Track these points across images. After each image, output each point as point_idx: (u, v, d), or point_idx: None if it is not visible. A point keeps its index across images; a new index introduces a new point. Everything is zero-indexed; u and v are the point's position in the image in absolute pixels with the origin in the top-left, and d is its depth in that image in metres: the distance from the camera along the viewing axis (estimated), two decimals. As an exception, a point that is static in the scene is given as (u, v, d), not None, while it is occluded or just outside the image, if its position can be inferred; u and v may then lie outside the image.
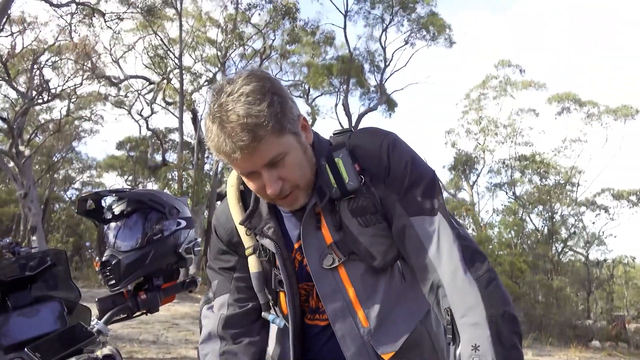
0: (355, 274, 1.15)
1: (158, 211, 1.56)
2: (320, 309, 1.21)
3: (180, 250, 1.58)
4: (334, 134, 1.25)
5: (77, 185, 23.34)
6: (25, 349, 1.28)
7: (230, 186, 1.28)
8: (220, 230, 1.30)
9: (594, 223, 18.49)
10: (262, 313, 1.26)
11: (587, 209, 19.03)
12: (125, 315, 1.53)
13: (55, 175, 22.04)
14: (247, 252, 1.24)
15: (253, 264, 1.23)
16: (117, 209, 1.54)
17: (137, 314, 1.55)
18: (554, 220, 18.55)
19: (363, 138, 1.19)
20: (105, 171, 24.47)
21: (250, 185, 1.12)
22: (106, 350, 1.36)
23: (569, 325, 11.98)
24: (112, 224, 1.55)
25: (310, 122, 1.21)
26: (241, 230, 1.24)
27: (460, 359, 0.99)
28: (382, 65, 20.05)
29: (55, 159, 20.94)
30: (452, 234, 1.09)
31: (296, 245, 1.21)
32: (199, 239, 1.67)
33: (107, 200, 1.57)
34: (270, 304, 1.26)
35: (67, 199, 22.83)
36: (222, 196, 10.64)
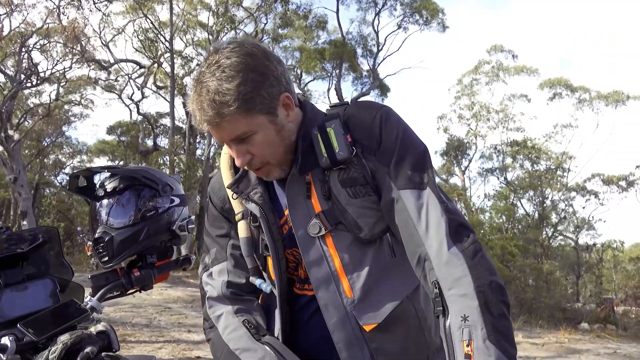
0: (342, 244, 1.15)
1: (151, 188, 1.54)
2: (309, 279, 1.20)
3: (174, 228, 1.56)
4: (330, 107, 1.25)
5: (67, 170, 23.15)
6: (18, 325, 1.27)
7: (224, 153, 1.29)
8: (214, 197, 1.32)
9: (584, 208, 18.69)
10: (250, 278, 1.26)
11: (577, 194, 19.20)
12: (119, 293, 1.51)
13: (45, 160, 21.85)
14: (237, 217, 1.25)
15: (242, 229, 1.24)
16: (109, 186, 1.52)
17: (131, 291, 1.53)
18: (545, 205, 18.70)
19: (357, 110, 1.20)
20: (96, 156, 24.26)
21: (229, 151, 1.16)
22: (100, 327, 1.34)
23: (559, 308, 12.14)
24: (105, 201, 1.53)
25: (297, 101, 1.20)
26: (231, 196, 1.26)
27: (450, 330, 0.99)
28: (374, 49, 19.96)
29: (45, 144, 20.72)
30: (441, 208, 1.09)
31: (286, 212, 1.21)
32: (193, 217, 1.66)
33: (99, 177, 1.55)
34: (260, 269, 1.26)
35: (58, 184, 22.68)
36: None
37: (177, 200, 1.59)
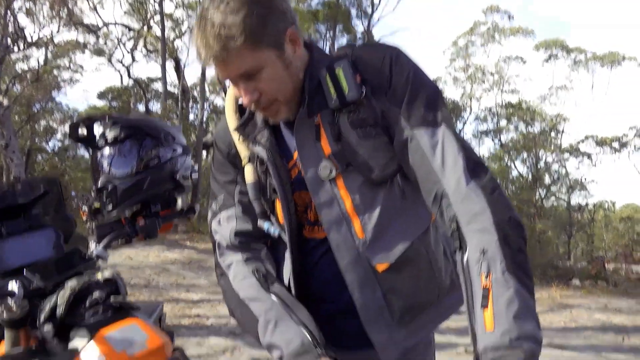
0: (352, 186, 1.14)
1: (153, 137, 1.52)
2: (319, 221, 1.20)
3: (177, 177, 1.54)
4: (337, 49, 1.22)
5: (59, 136, 22.92)
6: (25, 271, 1.26)
7: (228, 97, 1.26)
8: (220, 143, 1.30)
9: (578, 169, 18.81)
10: (258, 222, 1.25)
11: (570, 156, 19.29)
12: (124, 241, 1.51)
13: (36, 126, 21.59)
14: (244, 162, 1.23)
15: (249, 173, 1.23)
16: (110, 135, 1.49)
17: (136, 240, 1.52)
18: (539, 167, 18.80)
19: (366, 50, 1.17)
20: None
21: (235, 91, 1.13)
22: (107, 274, 1.34)
23: (551, 266, 12.35)
24: (106, 151, 1.50)
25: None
26: (237, 140, 1.23)
27: (468, 264, 0.99)
28: (369, 10, 19.60)
29: (35, 110, 20.42)
30: (457, 145, 1.07)
31: (295, 154, 1.19)
32: (196, 166, 1.64)
33: (100, 126, 1.52)
34: (268, 214, 1.25)
35: (50, 149, 22.48)
36: (207, 145, 10.55)
37: (179, 150, 1.57)
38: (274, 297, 1.17)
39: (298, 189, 1.20)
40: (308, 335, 1.09)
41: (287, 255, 1.22)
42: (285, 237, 1.21)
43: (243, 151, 1.23)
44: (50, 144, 22.80)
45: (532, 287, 0.96)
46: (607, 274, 12.13)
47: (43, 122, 22.48)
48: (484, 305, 0.93)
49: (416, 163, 1.09)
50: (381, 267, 1.14)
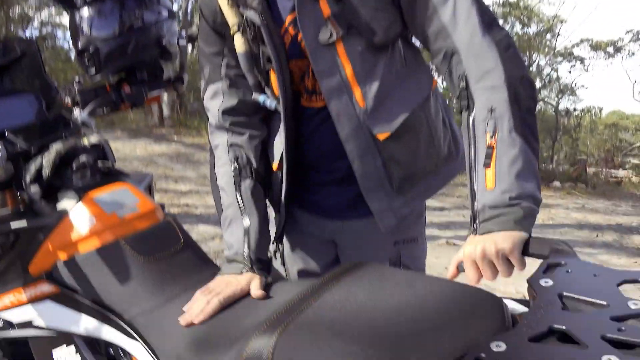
0: (353, 51, 1.08)
1: None
2: (316, 90, 1.15)
3: (163, 42, 1.45)
4: None
5: (35, 24, 21.83)
6: (6, 134, 1.21)
7: None
8: (205, 11, 1.20)
9: (570, 72, 18.62)
10: (253, 95, 1.21)
11: (563, 60, 19.00)
12: (110, 109, 1.44)
13: (10, 12, 20.46)
14: (232, 30, 1.15)
15: (239, 43, 1.15)
16: (88, -7, 1.38)
17: (122, 108, 1.46)
18: (531, 70, 18.54)
19: None
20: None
21: None
22: (93, 140, 1.30)
23: (534, 168, 12.54)
24: (85, 11, 1.39)
25: None
26: (224, 7, 1.14)
27: (474, 123, 0.95)
28: None
29: (8, -6, 19.23)
30: None
31: (288, 19, 1.11)
32: (184, 32, 1.54)
33: (77, -17, 1.39)
34: (262, 85, 1.19)
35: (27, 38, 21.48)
36: (193, 39, 10.12)
37: (165, 13, 1.47)
38: (238, 196, 1.19)
39: (293, 56, 1.13)
40: (245, 247, 1.13)
41: (282, 127, 1.17)
42: (281, 107, 1.16)
43: (231, 18, 1.14)
44: (27, 32, 21.78)
45: (537, 150, 0.93)
46: (588, 177, 12.44)
47: (18, 9, 21.29)
48: (487, 165, 0.91)
49: (425, 20, 1.03)
50: (382, 136, 1.12)
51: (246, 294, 1.04)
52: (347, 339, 0.75)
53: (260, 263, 1.12)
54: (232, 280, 1.06)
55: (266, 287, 1.06)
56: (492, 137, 0.92)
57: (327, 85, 1.10)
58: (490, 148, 0.91)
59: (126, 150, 8.29)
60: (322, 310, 0.83)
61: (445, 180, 1.26)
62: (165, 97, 11.26)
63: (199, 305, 0.99)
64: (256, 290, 1.03)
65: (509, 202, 0.88)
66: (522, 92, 0.94)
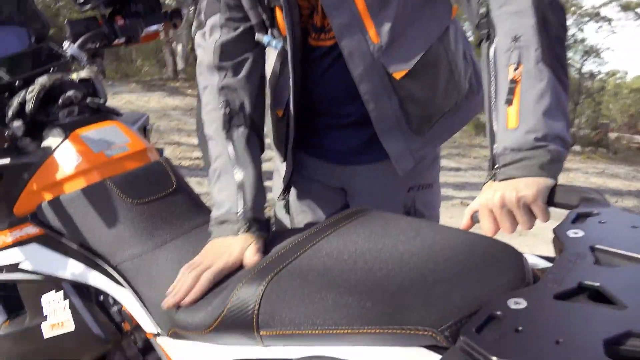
0: None
1: None
2: (326, 27, 1.05)
3: (160, -30, 1.34)
4: None
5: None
6: (-11, 65, 1.13)
7: None
8: None
9: (597, 32, 17.94)
10: (256, 35, 1.09)
11: (590, 20, 18.28)
12: (103, 44, 1.34)
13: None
14: None
15: None
16: None
17: (116, 43, 1.36)
18: (556, 29, 17.86)
19: None
20: None
21: None
22: (83, 74, 1.21)
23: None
24: None
25: None
26: None
27: (496, 54, 0.83)
28: None
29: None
30: None
31: None
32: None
33: None
34: (266, 24, 1.08)
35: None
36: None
37: (162, -61, 1.35)
38: (229, 145, 1.02)
39: None
40: (240, 204, 0.95)
41: (290, 69, 1.06)
42: (288, 48, 1.05)
43: None
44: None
45: (567, 84, 0.81)
46: (609, 142, 12.12)
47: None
48: (509, 102, 0.79)
49: None
50: (398, 74, 1.02)
51: (240, 265, 0.88)
52: (342, 289, 0.67)
53: (258, 223, 0.94)
54: (222, 250, 0.89)
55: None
56: (516, 69, 0.80)
57: (337, 20, 1.00)
58: (514, 82, 0.79)
59: (140, 102, 8.22)
60: (316, 258, 0.75)
61: (466, 119, 1.17)
62: (179, 49, 11.08)
63: (186, 284, 0.84)
64: (251, 258, 0.87)
65: (534, 144, 0.76)
66: (551, 17, 0.81)
